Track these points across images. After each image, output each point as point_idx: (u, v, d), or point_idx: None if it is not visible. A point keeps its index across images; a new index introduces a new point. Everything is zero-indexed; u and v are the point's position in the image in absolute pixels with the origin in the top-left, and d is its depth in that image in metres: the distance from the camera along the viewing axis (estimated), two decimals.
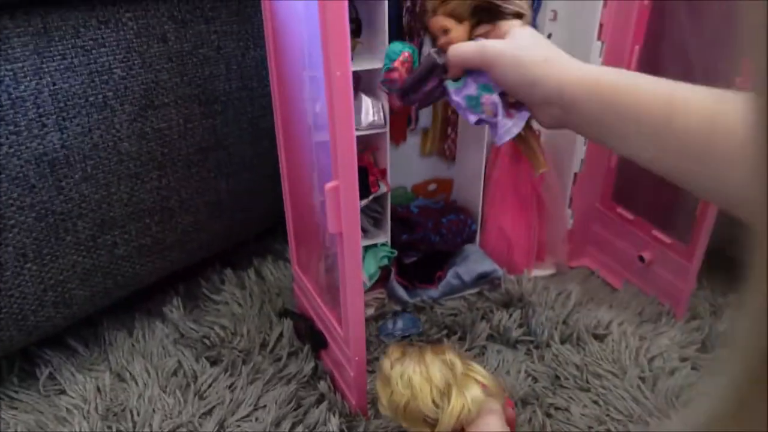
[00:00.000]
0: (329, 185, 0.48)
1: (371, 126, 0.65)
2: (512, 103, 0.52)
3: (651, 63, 0.71)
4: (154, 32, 0.56)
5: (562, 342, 0.70)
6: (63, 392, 0.63)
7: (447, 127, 0.77)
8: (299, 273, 0.68)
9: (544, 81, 0.46)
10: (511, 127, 0.51)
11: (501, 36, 0.50)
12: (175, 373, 0.65)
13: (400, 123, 0.75)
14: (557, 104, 0.47)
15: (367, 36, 0.66)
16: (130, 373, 0.65)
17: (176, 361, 0.66)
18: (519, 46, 0.48)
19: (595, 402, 0.62)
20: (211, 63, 0.62)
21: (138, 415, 0.59)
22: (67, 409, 0.61)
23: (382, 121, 0.66)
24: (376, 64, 0.63)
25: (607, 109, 0.44)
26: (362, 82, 0.68)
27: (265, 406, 0.61)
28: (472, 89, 0.52)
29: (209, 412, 0.60)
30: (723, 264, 0.82)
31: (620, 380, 0.64)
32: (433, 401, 0.47)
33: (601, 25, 0.70)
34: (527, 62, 0.47)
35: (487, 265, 0.77)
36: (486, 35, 0.51)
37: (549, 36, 0.75)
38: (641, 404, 0.61)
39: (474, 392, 0.48)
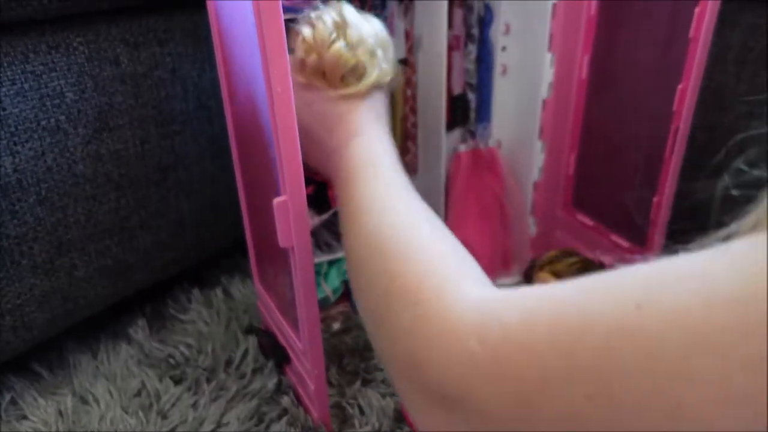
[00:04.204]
0: (277, 201, 0.49)
1: None
2: None
3: (601, 73, 0.72)
4: (106, 55, 0.57)
5: None
6: (24, 417, 0.62)
7: (407, 142, 0.78)
8: (261, 289, 0.68)
9: None
10: None
11: None
12: (138, 394, 0.65)
13: None
14: None
15: None
16: (93, 396, 0.64)
17: (140, 381, 0.66)
18: None
19: None
20: (166, 84, 0.63)
21: None
22: None
23: None
24: None
25: None
26: None
27: (228, 422, 0.61)
28: None
29: None
30: None
31: None
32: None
33: (551, 37, 0.72)
34: None
35: None
36: None
37: (503, 49, 0.77)
38: None
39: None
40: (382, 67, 0.49)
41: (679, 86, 0.62)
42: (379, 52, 0.49)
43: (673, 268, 0.21)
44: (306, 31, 0.48)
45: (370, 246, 0.36)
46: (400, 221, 0.37)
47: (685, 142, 0.65)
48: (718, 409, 0.18)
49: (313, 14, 0.50)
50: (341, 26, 0.48)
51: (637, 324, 0.20)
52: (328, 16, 0.48)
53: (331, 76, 0.47)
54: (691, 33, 0.59)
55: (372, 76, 0.47)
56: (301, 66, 0.49)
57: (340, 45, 0.47)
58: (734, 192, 0.25)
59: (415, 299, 0.29)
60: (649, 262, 0.22)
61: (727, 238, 0.21)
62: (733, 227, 0.22)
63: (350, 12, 0.49)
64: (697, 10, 0.58)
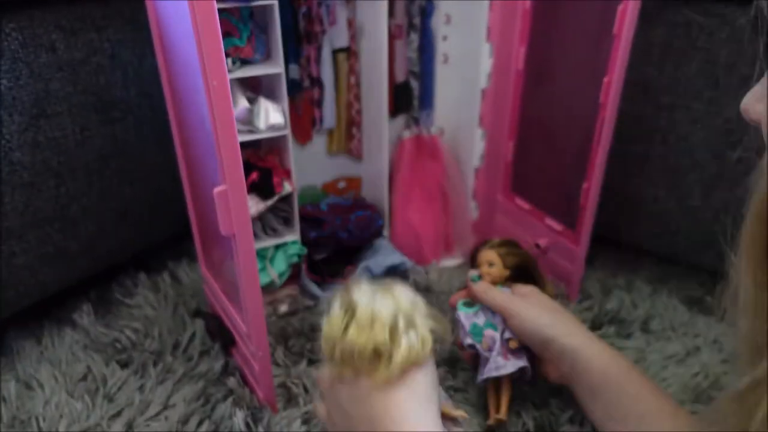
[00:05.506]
0: (217, 190, 0.50)
1: (272, 129, 0.67)
2: (513, 350, 0.61)
3: (537, 64, 0.76)
4: (41, 42, 0.57)
5: None
6: None
7: (352, 128, 0.80)
8: (207, 274, 0.69)
9: (558, 341, 0.57)
10: (501, 366, 0.60)
11: (523, 293, 0.64)
12: (84, 378, 0.66)
13: (305, 123, 0.78)
14: (569, 366, 0.57)
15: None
16: (38, 381, 0.65)
17: (85, 366, 0.67)
18: (534, 304, 0.62)
19: None
20: (105, 71, 0.63)
21: (44, 421, 0.60)
22: None
23: (283, 123, 0.68)
24: (275, 69, 0.65)
25: (617, 392, 0.54)
26: (262, 87, 0.70)
27: (174, 404, 0.63)
28: (480, 320, 0.63)
29: (118, 414, 0.61)
30: (613, 248, 0.89)
31: None
32: (391, 333, 0.42)
33: (489, 28, 0.74)
34: (544, 322, 0.59)
35: (395, 258, 0.80)
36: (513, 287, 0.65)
37: (444, 38, 0.79)
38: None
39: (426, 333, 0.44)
40: (411, 340, 0.42)
41: (605, 79, 0.66)
42: (402, 324, 0.43)
43: None
44: (324, 326, 0.45)
45: None
46: None
47: (611, 132, 0.69)
48: None
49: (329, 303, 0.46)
50: (350, 309, 0.43)
51: None
52: (337, 303, 0.44)
53: (358, 365, 0.42)
54: (615, 30, 0.63)
55: (399, 356, 0.41)
56: (330, 359, 0.45)
57: (351, 332, 0.42)
58: None
59: None
60: None
61: None
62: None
63: (361, 290, 0.44)
64: (619, 8, 0.62)
